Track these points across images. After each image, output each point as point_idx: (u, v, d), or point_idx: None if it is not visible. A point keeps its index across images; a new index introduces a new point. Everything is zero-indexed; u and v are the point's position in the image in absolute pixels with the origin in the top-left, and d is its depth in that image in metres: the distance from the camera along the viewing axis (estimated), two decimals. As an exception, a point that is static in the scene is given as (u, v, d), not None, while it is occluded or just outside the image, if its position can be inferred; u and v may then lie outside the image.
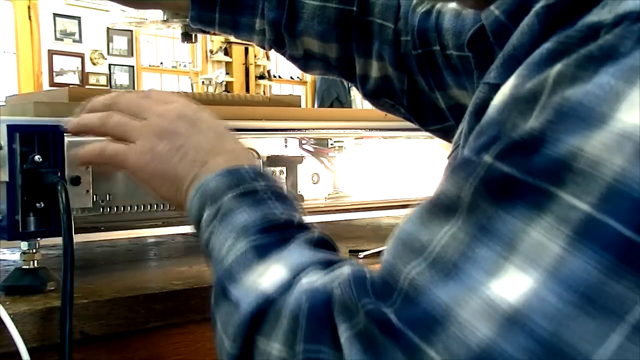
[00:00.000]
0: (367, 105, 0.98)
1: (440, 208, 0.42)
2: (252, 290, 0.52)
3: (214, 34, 0.93)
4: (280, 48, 0.90)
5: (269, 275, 0.53)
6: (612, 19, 0.39)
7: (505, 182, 0.39)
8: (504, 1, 0.50)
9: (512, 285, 0.37)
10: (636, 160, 0.36)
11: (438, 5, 0.81)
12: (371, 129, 1.20)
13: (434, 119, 0.88)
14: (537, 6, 0.45)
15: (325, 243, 0.58)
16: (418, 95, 0.87)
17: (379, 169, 1.18)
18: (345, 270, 0.49)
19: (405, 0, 0.84)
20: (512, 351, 0.36)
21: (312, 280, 0.50)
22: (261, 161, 1.03)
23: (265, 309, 0.50)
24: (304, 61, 0.91)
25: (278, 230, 0.57)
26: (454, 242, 0.40)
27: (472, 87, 0.78)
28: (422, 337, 0.39)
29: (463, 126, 0.52)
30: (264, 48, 0.91)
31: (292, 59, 0.91)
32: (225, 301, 0.54)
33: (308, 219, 0.61)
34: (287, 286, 0.51)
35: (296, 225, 0.59)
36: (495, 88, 0.45)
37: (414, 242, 0.43)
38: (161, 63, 7.98)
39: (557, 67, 0.40)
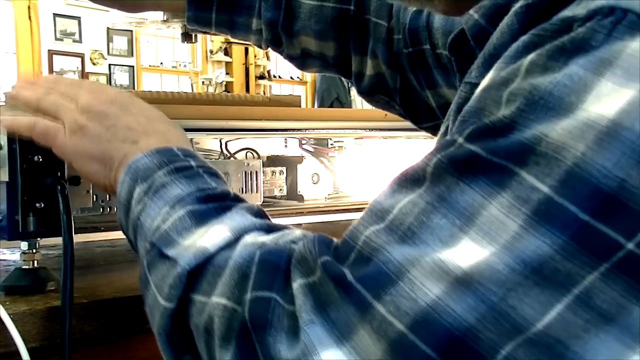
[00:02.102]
0: (367, 105, 0.98)
1: (407, 179, 0.44)
2: (191, 248, 0.52)
3: (214, 34, 0.93)
4: (277, 47, 0.90)
5: (210, 235, 0.53)
6: (584, 14, 0.40)
7: (469, 159, 0.41)
8: (482, 5, 0.51)
9: (466, 253, 0.38)
10: (597, 147, 0.37)
11: None
12: (371, 129, 1.20)
13: (426, 116, 0.89)
14: (517, 6, 0.47)
15: (263, 215, 0.58)
16: (410, 93, 0.88)
17: (379, 169, 1.18)
18: (297, 233, 0.51)
19: None
20: (460, 310, 0.38)
21: (258, 239, 0.51)
22: (261, 161, 1.03)
23: (204, 265, 0.51)
24: (301, 60, 0.91)
25: (215, 201, 0.57)
26: (413, 209, 0.42)
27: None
28: (372, 293, 0.40)
29: (446, 125, 0.53)
30: (261, 47, 0.91)
31: (290, 57, 0.92)
32: (161, 263, 0.54)
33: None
34: (228, 245, 0.52)
35: (232, 197, 0.59)
36: (476, 87, 0.46)
37: (379, 209, 0.44)
38: (161, 63, 7.98)
39: (530, 57, 0.41)
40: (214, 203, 0.57)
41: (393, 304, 0.39)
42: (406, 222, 0.42)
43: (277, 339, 0.44)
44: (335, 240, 0.47)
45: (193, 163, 0.62)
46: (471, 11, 0.52)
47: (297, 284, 0.45)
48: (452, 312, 0.38)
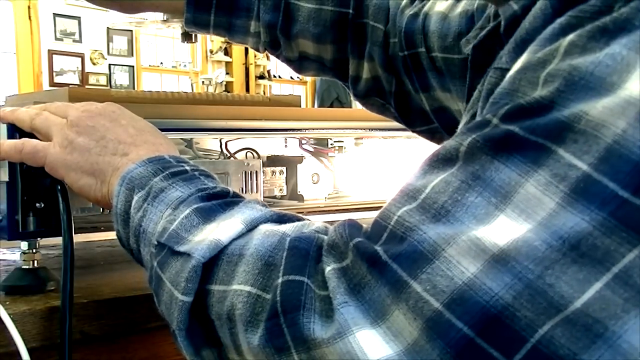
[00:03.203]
0: (367, 105, 0.99)
1: (439, 160, 0.44)
2: (204, 242, 0.52)
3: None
4: (275, 50, 0.90)
5: (222, 229, 0.52)
6: None
7: (505, 137, 0.40)
8: None
9: (503, 231, 0.38)
10: (638, 124, 0.36)
11: (426, 8, 0.82)
12: (371, 129, 1.20)
13: (420, 120, 0.90)
14: None
15: (268, 208, 0.58)
16: (405, 97, 0.88)
17: (379, 169, 1.18)
18: (319, 224, 0.51)
19: (395, 2, 0.84)
20: (496, 288, 0.37)
21: (277, 228, 0.51)
22: (261, 161, 1.03)
23: (218, 256, 0.51)
24: (299, 63, 0.91)
25: (218, 198, 0.57)
26: (446, 187, 0.41)
27: (456, 89, 0.79)
28: (407, 271, 0.40)
29: (471, 112, 0.52)
30: (258, 51, 0.91)
31: (287, 60, 0.92)
32: (173, 259, 0.53)
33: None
34: (241, 235, 0.51)
35: (233, 195, 0.59)
36: (507, 72, 0.46)
37: (411, 189, 0.44)
38: (161, 63, 7.98)
39: (569, 37, 0.41)
40: (218, 200, 0.57)
41: (429, 282, 0.39)
42: (440, 200, 0.41)
43: (311, 319, 0.43)
44: (365, 225, 0.47)
45: (187, 167, 0.62)
46: (511, 2, 0.52)
47: (329, 268, 0.44)
48: (488, 290, 0.37)
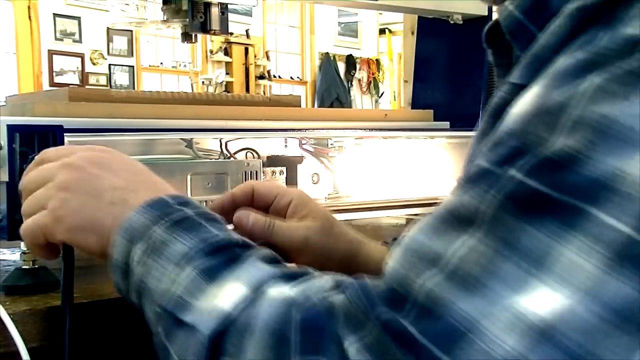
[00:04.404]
0: (367, 105, 0.98)
1: (456, 218, 0.41)
2: (210, 311, 0.49)
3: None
4: None
5: (226, 294, 0.50)
6: None
7: (533, 198, 0.38)
8: None
9: (543, 301, 0.36)
10: None
11: None
12: (371, 129, 1.20)
13: None
14: (571, 7, 0.44)
15: (276, 259, 0.55)
16: None
17: (379, 169, 1.18)
18: (327, 281, 0.48)
19: None
20: None
21: (283, 293, 0.48)
22: (261, 161, 1.03)
23: (227, 329, 0.48)
24: None
25: (223, 251, 0.54)
26: (474, 255, 0.39)
27: None
28: (445, 351, 0.37)
29: (483, 127, 0.50)
30: None
31: None
32: (179, 330, 0.51)
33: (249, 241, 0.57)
34: (248, 302, 0.48)
35: (241, 245, 0.55)
36: (517, 89, 0.44)
37: (427, 252, 0.41)
38: (161, 63, 7.98)
39: (592, 80, 0.39)
40: (222, 255, 0.53)
41: None
42: (467, 269, 0.39)
43: None
44: (370, 282, 0.44)
45: (190, 212, 0.58)
46: (506, 3, 0.49)
47: (351, 345, 0.41)
48: None
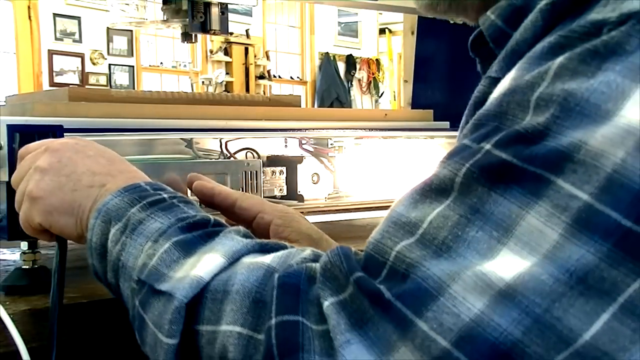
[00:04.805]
0: (367, 105, 0.98)
1: (432, 190, 0.43)
2: (185, 279, 0.50)
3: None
4: None
5: (203, 264, 0.50)
6: (616, 17, 0.40)
7: (502, 168, 0.40)
8: (499, 6, 0.51)
9: (507, 265, 0.38)
10: (637, 153, 0.37)
11: None
12: (371, 129, 1.20)
13: None
14: (542, 3, 0.46)
15: (250, 236, 0.56)
16: None
17: (379, 169, 1.18)
18: (307, 252, 0.49)
19: None
20: (505, 324, 0.37)
21: (260, 261, 0.49)
22: (261, 161, 1.03)
23: (204, 295, 0.48)
24: None
25: (198, 228, 0.55)
26: (445, 222, 0.41)
27: None
28: (413, 310, 0.39)
29: (466, 119, 0.52)
30: None
31: None
32: (155, 299, 0.51)
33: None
34: (225, 270, 0.49)
35: (214, 223, 0.56)
36: (495, 82, 0.46)
37: (404, 221, 0.43)
38: (161, 63, 7.98)
39: (559, 60, 0.41)
40: (198, 231, 0.54)
41: (435, 320, 0.38)
42: (439, 235, 0.40)
43: None
44: (356, 252, 0.45)
45: (165, 195, 0.59)
46: (488, 12, 0.51)
47: (327, 302, 0.42)
48: (497, 326, 0.37)
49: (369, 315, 0.40)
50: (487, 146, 0.41)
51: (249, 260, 0.50)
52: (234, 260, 0.50)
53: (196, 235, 0.54)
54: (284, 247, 0.52)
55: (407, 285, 0.40)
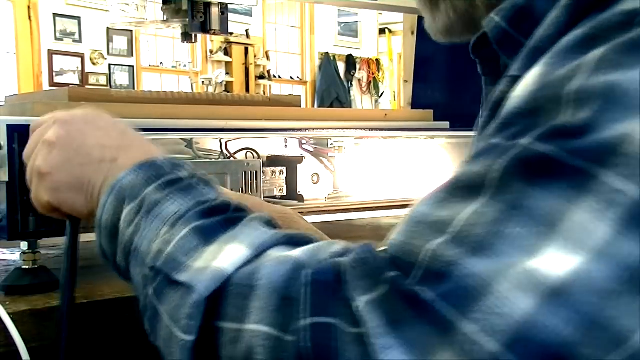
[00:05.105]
0: (367, 105, 0.98)
1: (462, 188, 0.41)
2: (207, 271, 0.46)
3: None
4: None
5: (225, 255, 0.47)
6: None
7: (542, 162, 0.38)
8: (502, 7, 0.50)
9: (555, 262, 0.36)
10: None
11: None
12: (371, 129, 1.20)
13: None
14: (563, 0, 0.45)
15: (275, 224, 0.53)
16: None
17: (379, 169, 1.18)
18: (337, 247, 0.46)
19: None
20: (555, 323, 0.35)
21: (288, 255, 0.46)
22: (261, 161, 1.03)
23: (227, 289, 0.45)
24: None
25: (219, 213, 0.51)
26: (481, 219, 0.38)
27: None
28: (456, 311, 0.37)
29: (485, 121, 0.50)
30: None
31: None
32: (172, 290, 0.48)
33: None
34: (250, 262, 0.46)
35: (235, 208, 0.53)
36: (516, 80, 0.44)
37: (431, 220, 0.40)
38: (161, 63, 7.98)
39: (597, 52, 0.39)
40: (219, 216, 0.51)
41: (482, 322, 0.36)
42: (476, 233, 0.38)
43: None
44: (380, 253, 0.43)
45: (183, 174, 0.56)
46: (492, 14, 0.50)
47: (361, 302, 0.40)
48: (547, 327, 0.35)
49: (406, 317, 0.38)
50: (524, 141, 0.39)
51: (276, 253, 0.47)
52: (259, 253, 0.47)
53: (216, 221, 0.51)
54: (312, 240, 0.49)
55: (447, 285, 0.37)
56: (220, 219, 0.51)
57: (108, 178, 0.57)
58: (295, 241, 0.49)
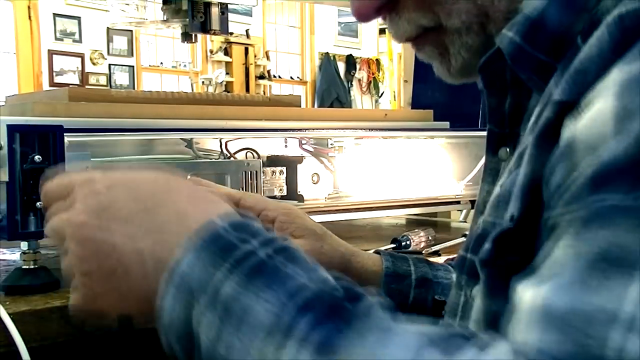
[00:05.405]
0: (367, 105, 0.98)
1: (609, 265, 0.36)
2: None
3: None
4: None
5: None
6: None
7: None
8: (515, 22, 0.49)
9: None
10: None
11: None
12: (371, 129, 1.20)
13: None
14: (609, 18, 0.43)
15: (390, 307, 0.43)
16: None
17: (379, 169, 1.18)
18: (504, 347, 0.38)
19: None
20: None
21: None
22: (261, 161, 1.03)
23: None
24: None
25: (325, 309, 0.41)
26: None
27: None
28: None
29: (520, 150, 0.47)
30: None
31: None
32: None
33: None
34: None
35: (344, 295, 0.43)
36: (563, 106, 0.43)
37: (593, 312, 0.35)
38: (161, 63, 7.98)
39: None
40: (328, 317, 0.41)
41: None
42: None
43: None
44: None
45: (254, 244, 0.45)
46: (504, 30, 0.49)
47: None
48: None
49: None
50: None
51: None
52: None
53: (332, 326, 0.40)
54: (457, 335, 0.39)
55: None
56: (337, 320, 0.41)
57: (160, 276, 0.46)
58: (437, 341, 0.39)
